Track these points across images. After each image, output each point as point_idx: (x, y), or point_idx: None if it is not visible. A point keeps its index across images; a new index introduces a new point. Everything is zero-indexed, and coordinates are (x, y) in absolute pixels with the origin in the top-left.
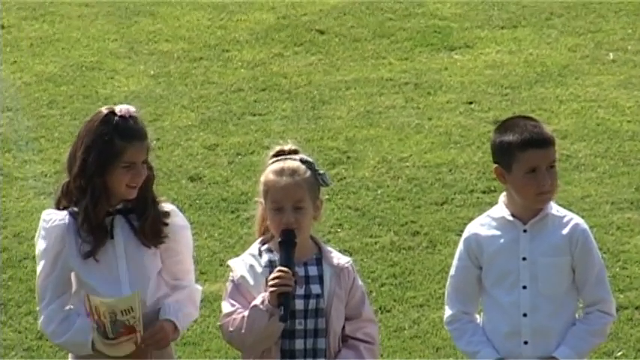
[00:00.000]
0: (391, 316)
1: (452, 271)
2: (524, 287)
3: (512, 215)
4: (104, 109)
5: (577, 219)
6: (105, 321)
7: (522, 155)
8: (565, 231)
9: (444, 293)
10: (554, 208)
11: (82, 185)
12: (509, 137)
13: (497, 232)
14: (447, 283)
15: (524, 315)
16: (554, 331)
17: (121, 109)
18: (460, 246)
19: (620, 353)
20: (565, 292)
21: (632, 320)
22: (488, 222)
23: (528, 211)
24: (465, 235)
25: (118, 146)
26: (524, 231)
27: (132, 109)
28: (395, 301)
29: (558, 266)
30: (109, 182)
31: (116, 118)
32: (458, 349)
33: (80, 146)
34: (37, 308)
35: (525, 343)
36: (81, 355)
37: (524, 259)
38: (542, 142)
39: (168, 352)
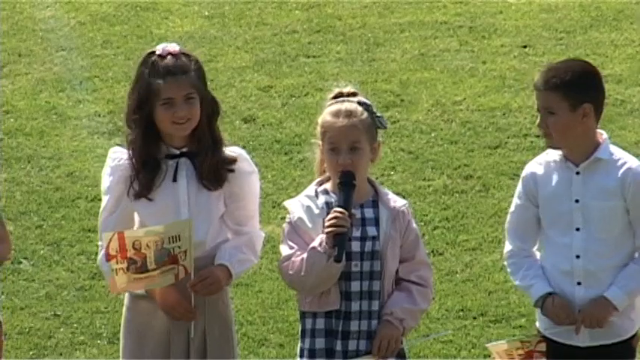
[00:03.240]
0: (443, 260)
1: (511, 208)
2: (578, 229)
3: (565, 157)
4: (148, 50)
5: (632, 162)
6: (147, 252)
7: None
8: (617, 175)
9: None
10: (610, 152)
11: (129, 125)
12: None
13: (553, 173)
14: (507, 219)
15: (577, 257)
16: (606, 273)
17: (159, 47)
18: (519, 184)
19: None
20: (619, 234)
21: None
22: (545, 161)
23: (581, 154)
24: (523, 173)
25: (153, 85)
26: (577, 173)
27: (172, 46)
28: (447, 244)
29: (610, 209)
30: (156, 122)
31: (153, 57)
32: (514, 286)
33: (130, 87)
34: (99, 243)
35: (579, 283)
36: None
37: (576, 201)
38: (537, 86)
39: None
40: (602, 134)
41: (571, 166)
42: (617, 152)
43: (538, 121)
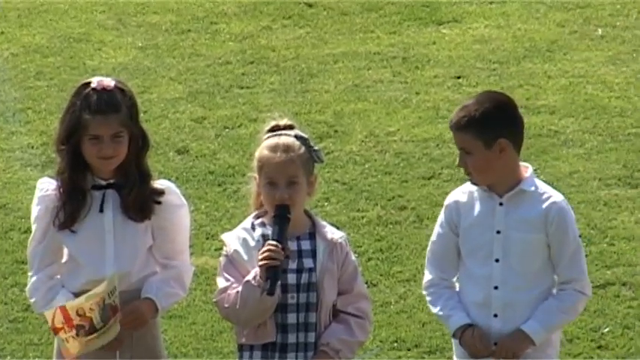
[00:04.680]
0: (377, 291)
1: (433, 237)
2: (497, 260)
3: (489, 187)
4: (83, 81)
5: (556, 197)
6: (92, 315)
7: None
8: (541, 208)
9: None
10: (535, 185)
11: (58, 154)
12: None
13: (476, 203)
14: (427, 248)
15: (496, 288)
16: (524, 306)
17: (95, 80)
18: (442, 212)
19: (606, 330)
20: (539, 268)
21: (618, 297)
22: (469, 191)
23: (504, 185)
24: (446, 202)
25: (82, 119)
26: (501, 204)
27: (107, 81)
28: (381, 275)
29: (531, 242)
30: (83, 154)
31: (87, 90)
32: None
33: (61, 115)
34: (29, 274)
35: (495, 315)
36: None
37: (498, 232)
38: (450, 127)
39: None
40: (527, 167)
41: (494, 196)
42: (542, 186)
43: (457, 160)
